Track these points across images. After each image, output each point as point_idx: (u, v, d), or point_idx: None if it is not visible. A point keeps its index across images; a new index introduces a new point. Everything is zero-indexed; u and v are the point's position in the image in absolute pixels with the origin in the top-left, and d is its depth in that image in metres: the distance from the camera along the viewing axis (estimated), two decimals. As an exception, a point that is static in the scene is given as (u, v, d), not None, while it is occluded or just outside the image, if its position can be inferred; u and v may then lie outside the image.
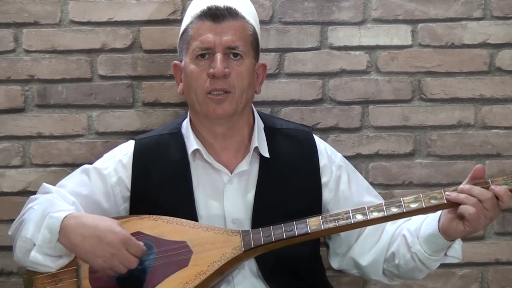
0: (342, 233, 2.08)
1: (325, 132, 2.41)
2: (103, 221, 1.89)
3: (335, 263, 2.15)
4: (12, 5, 2.37)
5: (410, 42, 2.43)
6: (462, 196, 1.84)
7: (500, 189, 1.84)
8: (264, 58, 2.33)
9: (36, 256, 1.89)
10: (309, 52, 2.42)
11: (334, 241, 2.13)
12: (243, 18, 2.03)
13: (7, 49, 2.38)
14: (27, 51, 2.38)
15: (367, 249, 2.08)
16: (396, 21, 2.42)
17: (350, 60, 2.42)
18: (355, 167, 2.22)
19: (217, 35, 1.99)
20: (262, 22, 2.38)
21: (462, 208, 1.83)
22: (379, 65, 2.43)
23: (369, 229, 2.06)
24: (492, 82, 2.44)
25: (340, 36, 2.42)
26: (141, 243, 1.87)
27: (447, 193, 1.86)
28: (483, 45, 2.43)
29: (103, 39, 2.39)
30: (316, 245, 2.12)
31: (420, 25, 2.42)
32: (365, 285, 2.48)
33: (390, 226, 2.06)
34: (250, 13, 2.08)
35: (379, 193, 2.20)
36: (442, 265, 2.40)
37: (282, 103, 2.42)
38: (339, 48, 2.42)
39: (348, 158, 2.25)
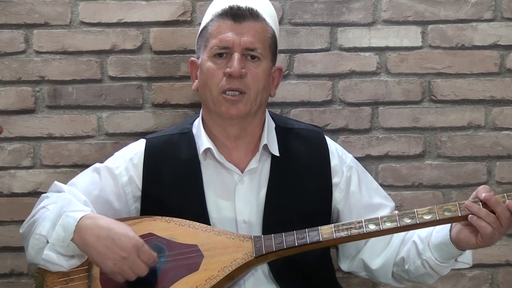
0: None
1: (334, 133, 2.41)
2: (118, 225, 1.88)
3: (344, 266, 2.15)
4: (22, 6, 2.37)
5: (420, 44, 2.42)
6: (484, 213, 1.81)
7: None
8: (273, 59, 2.34)
9: (49, 254, 1.89)
10: (318, 53, 2.42)
11: (343, 244, 2.12)
12: (263, 20, 2.03)
13: (18, 50, 2.38)
14: (38, 52, 2.39)
15: (377, 252, 2.07)
16: (406, 22, 2.41)
17: (360, 61, 2.42)
18: (364, 168, 2.22)
19: (236, 35, 1.99)
20: (272, 23, 2.39)
21: (481, 226, 1.81)
22: (389, 66, 2.42)
23: None
24: (502, 84, 2.43)
25: (350, 37, 2.42)
26: (154, 253, 1.86)
27: (468, 203, 1.83)
28: (493, 46, 2.42)
29: (113, 40, 2.39)
30: (326, 247, 2.12)
31: (430, 26, 2.42)
32: (374, 287, 2.47)
33: None
34: (271, 16, 2.08)
35: (388, 194, 2.20)
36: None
37: (291, 104, 2.42)
38: (349, 49, 2.42)
39: (358, 159, 2.25)
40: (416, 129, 2.44)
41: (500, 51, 2.42)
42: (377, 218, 1.85)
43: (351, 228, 1.85)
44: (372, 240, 2.07)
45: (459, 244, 1.89)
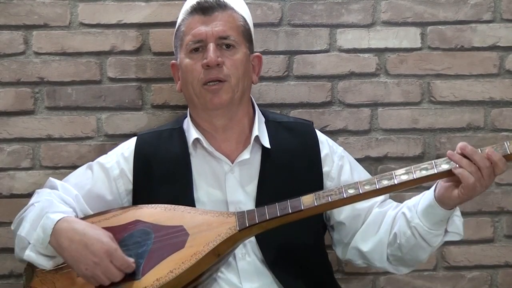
0: (346, 222, 2.10)
1: (334, 134, 2.41)
2: (93, 230, 1.90)
3: (339, 252, 2.16)
4: (22, 7, 2.37)
5: (419, 45, 2.42)
6: (465, 162, 1.83)
7: (495, 154, 1.82)
8: (273, 60, 2.35)
9: (30, 255, 1.93)
10: (318, 54, 2.42)
11: (339, 230, 2.14)
12: (232, 9, 2.09)
13: (17, 51, 2.38)
14: (37, 53, 2.39)
15: (369, 235, 2.08)
16: (405, 23, 2.42)
17: (359, 63, 2.42)
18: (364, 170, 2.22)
19: (208, 26, 2.04)
20: (271, 25, 2.39)
21: (463, 176, 1.82)
22: (388, 67, 2.42)
23: (372, 216, 2.08)
24: (502, 85, 2.43)
25: (349, 38, 2.42)
26: (130, 259, 1.87)
27: (449, 152, 1.84)
28: (492, 47, 2.42)
29: (113, 41, 2.39)
30: (318, 232, 2.14)
31: (429, 27, 2.42)
32: (375, 287, 2.47)
33: (392, 211, 2.07)
34: (239, 6, 2.13)
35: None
36: (451, 268, 2.40)
37: (291, 105, 2.42)
38: (348, 51, 2.42)
39: (357, 160, 2.25)
40: (416, 130, 2.44)
41: (499, 52, 2.42)
42: (356, 183, 1.88)
43: (331, 194, 1.87)
44: (366, 223, 2.09)
45: (443, 202, 1.90)
